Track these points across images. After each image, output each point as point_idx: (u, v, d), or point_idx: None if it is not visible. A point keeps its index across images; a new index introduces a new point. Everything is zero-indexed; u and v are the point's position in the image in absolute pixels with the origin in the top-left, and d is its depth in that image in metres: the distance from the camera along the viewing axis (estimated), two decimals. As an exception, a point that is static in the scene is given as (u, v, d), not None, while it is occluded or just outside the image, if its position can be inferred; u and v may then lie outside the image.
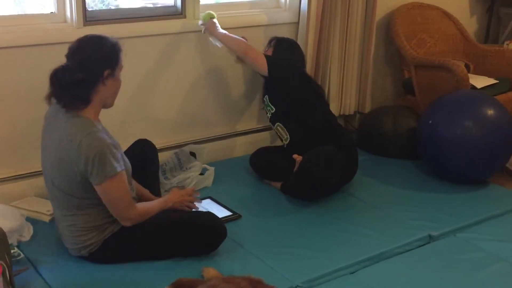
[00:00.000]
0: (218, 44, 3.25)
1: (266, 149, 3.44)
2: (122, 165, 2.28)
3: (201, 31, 3.27)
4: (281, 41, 3.34)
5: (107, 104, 2.38)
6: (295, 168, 2.98)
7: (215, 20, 3.20)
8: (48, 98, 2.30)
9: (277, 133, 3.26)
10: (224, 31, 3.19)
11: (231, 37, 3.18)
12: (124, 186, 2.29)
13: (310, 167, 2.88)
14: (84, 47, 2.27)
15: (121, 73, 2.36)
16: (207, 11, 3.21)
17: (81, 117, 2.26)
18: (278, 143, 3.41)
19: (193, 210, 2.58)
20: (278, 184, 3.16)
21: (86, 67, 2.24)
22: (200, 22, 3.23)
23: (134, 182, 2.54)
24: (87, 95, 2.26)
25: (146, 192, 2.67)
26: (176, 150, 3.34)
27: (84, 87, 2.25)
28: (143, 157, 2.77)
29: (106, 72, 2.26)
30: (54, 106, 2.32)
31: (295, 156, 3.00)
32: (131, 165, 2.46)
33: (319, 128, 3.12)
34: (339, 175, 3.00)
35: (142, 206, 2.42)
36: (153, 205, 2.47)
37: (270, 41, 3.37)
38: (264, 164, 3.30)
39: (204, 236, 2.43)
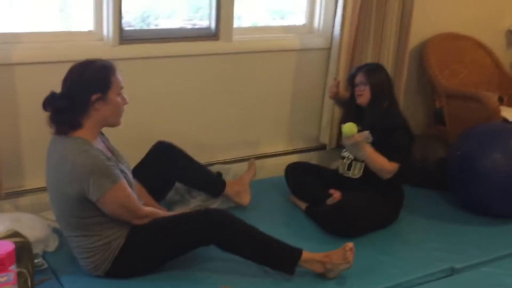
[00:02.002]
0: (351, 155, 3.01)
1: (306, 165, 3.38)
2: (119, 175, 2.28)
3: (233, 53, 3.34)
4: (370, 72, 3.01)
5: (111, 124, 2.38)
6: (330, 201, 2.97)
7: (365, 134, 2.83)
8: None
9: (346, 164, 3.08)
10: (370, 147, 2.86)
11: (378, 157, 2.87)
12: (125, 193, 2.30)
13: (347, 215, 2.85)
14: (70, 75, 2.30)
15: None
16: (350, 124, 2.81)
17: (73, 138, 2.27)
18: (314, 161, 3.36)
19: None
20: (303, 205, 3.15)
21: (72, 94, 2.26)
22: (349, 141, 2.81)
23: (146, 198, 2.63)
24: (76, 121, 2.28)
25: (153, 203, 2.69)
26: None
27: (71, 113, 2.27)
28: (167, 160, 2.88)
29: (94, 97, 2.26)
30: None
31: (332, 191, 2.99)
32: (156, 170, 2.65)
33: (391, 188, 3.03)
34: (371, 229, 2.97)
35: (150, 209, 2.48)
36: (161, 212, 2.53)
37: (351, 77, 3.06)
38: (298, 179, 3.23)
39: (206, 218, 2.42)
